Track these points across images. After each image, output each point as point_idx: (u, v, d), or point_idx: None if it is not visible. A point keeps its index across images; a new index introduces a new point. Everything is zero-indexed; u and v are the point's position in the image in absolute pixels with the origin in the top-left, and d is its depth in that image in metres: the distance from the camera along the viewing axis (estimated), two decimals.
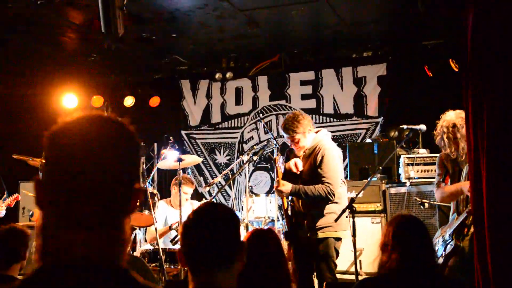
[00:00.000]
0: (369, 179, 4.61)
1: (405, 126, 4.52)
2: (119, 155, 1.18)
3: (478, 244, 2.89)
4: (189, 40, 7.97)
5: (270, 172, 8.53)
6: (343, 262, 6.08)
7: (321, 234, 4.60)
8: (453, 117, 4.35)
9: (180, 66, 9.10)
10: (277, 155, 4.94)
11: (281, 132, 4.80)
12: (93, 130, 1.18)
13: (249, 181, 8.13)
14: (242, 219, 6.18)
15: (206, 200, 7.47)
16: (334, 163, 4.64)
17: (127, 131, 1.22)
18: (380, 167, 4.62)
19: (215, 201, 3.65)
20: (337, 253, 4.68)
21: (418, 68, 7.69)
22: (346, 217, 4.45)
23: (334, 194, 4.57)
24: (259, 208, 6.83)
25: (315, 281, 4.77)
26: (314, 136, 4.77)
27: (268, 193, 7.70)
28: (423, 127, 4.41)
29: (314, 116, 8.32)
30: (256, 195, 6.93)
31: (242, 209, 7.20)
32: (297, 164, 4.73)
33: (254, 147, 5.76)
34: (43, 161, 1.21)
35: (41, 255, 1.15)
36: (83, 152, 1.15)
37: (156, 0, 6.52)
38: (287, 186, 4.59)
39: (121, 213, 1.18)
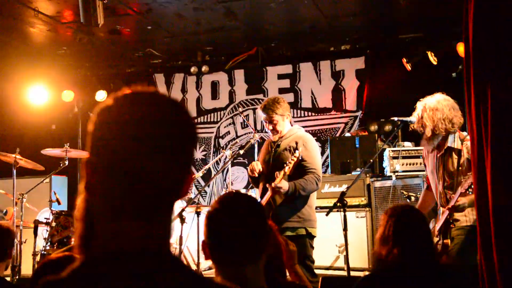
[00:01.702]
0: (359, 173, 4.62)
1: (395, 118, 4.53)
2: (174, 136, 1.10)
3: (482, 242, 2.89)
4: (164, 33, 7.85)
5: (247, 167, 8.45)
6: (328, 257, 6.09)
7: (290, 233, 4.54)
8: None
9: (154, 60, 8.96)
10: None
11: (260, 113, 4.78)
12: (146, 107, 1.10)
13: (225, 177, 8.08)
14: None
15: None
16: (316, 151, 4.70)
17: (182, 110, 1.15)
18: (371, 160, 4.63)
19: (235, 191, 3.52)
20: (312, 248, 4.67)
21: (396, 61, 7.76)
22: (337, 211, 4.44)
23: (320, 181, 4.61)
24: None
25: None
26: (290, 127, 4.79)
27: (246, 188, 7.65)
28: (413, 118, 4.41)
29: (292, 110, 8.27)
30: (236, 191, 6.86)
31: None
32: (254, 167, 4.75)
33: (237, 141, 5.69)
34: (91, 139, 1.10)
35: (86, 244, 1.07)
36: (135, 132, 1.06)
37: None
38: (284, 183, 4.50)
39: (172, 199, 1.12)
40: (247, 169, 8.39)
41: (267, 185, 4.52)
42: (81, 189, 1.11)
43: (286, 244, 2.93)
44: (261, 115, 4.80)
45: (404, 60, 7.54)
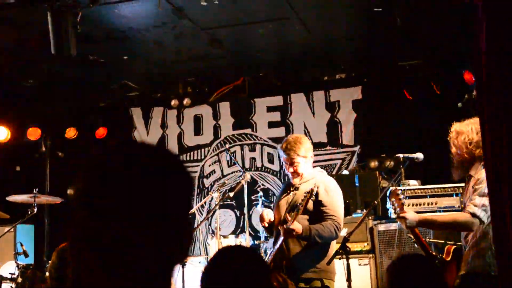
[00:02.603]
0: (360, 215, 4.60)
1: (401, 155, 4.54)
2: (166, 189, 1.12)
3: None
4: (142, 63, 7.88)
5: (235, 210, 8.41)
6: None
7: (303, 285, 4.48)
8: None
9: (130, 92, 8.96)
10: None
11: (280, 153, 4.75)
12: (132, 158, 1.13)
13: (210, 221, 8.01)
14: None
15: None
16: (338, 197, 4.66)
17: (175, 160, 1.18)
18: (375, 202, 4.62)
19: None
20: None
21: (396, 91, 7.84)
22: (340, 258, 4.40)
23: (340, 229, 4.52)
24: None
25: None
26: (312, 169, 4.76)
27: (236, 233, 7.58)
28: (420, 155, 4.43)
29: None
30: (224, 237, 6.79)
31: (208, 253, 7.04)
32: (264, 216, 4.73)
33: (225, 181, 5.66)
34: (80, 197, 1.13)
35: None
36: (120, 184, 1.09)
37: (107, 17, 6.42)
38: (298, 225, 4.42)
39: (171, 262, 1.13)
40: (235, 212, 8.42)
41: (279, 227, 4.48)
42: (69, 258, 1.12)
43: (285, 282, 2.90)
44: (281, 156, 4.78)
45: (405, 89, 7.62)
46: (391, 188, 4.14)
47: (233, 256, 1.83)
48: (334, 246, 4.56)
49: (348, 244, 4.35)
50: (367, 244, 6.18)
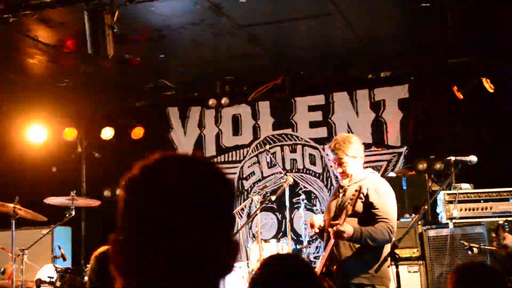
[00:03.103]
0: (408, 219, 4.54)
1: (452, 158, 4.45)
2: (215, 203, 1.13)
3: None
4: (179, 62, 7.93)
5: (277, 213, 8.40)
6: None
7: None
8: None
9: (167, 92, 9.02)
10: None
11: (328, 153, 4.73)
12: (181, 173, 1.14)
13: (251, 225, 8.02)
14: (252, 270, 6.04)
15: None
16: (390, 198, 4.59)
17: (220, 174, 1.18)
18: (425, 207, 4.54)
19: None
20: None
21: (445, 89, 7.70)
22: (388, 266, 4.34)
23: (394, 232, 4.46)
24: None
25: None
26: (361, 170, 4.71)
27: (277, 237, 7.56)
28: (473, 158, 4.33)
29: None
30: (266, 241, 6.78)
31: (248, 258, 7.04)
32: (313, 222, 4.69)
33: (267, 184, 5.65)
34: (121, 213, 1.13)
35: None
36: (172, 200, 1.10)
37: (144, 16, 6.47)
38: (348, 227, 4.37)
39: (219, 274, 1.14)
40: (276, 215, 8.40)
41: (329, 229, 4.43)
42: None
43: None
44: (329, 156, 4.77)
45: (455, 88, 7.48)
46: (499, 223, 4.05)
47: (281, 266, 1.81)
48: (388, 251, 4.43)
49: (397, 251, 4.27)
50: (417, 250, 6.09)
